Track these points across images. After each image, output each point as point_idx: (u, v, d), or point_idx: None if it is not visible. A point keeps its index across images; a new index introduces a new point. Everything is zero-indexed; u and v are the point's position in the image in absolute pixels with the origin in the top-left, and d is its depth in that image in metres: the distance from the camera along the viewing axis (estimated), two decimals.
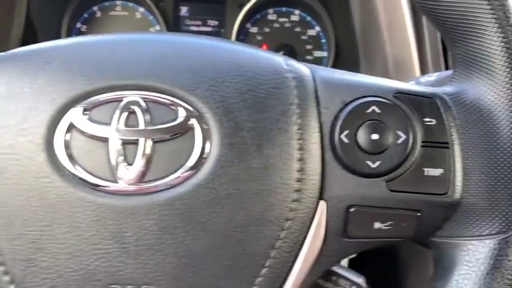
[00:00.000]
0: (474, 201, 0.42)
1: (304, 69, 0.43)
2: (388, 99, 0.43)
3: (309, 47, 1.03)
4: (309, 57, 1.04)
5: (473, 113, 0.43)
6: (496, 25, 0.42)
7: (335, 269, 0.53)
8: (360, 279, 0.53)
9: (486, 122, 0.43)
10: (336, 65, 1.03)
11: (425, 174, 0.42)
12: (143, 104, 0.39)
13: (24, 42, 0.88)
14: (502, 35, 0.42)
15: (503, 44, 0.42)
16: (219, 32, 1.05)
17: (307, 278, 0.43)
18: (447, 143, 0.42)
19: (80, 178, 0.39)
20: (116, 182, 0.39)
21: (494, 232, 0.42)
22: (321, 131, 0.42)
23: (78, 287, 0.39)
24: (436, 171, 0.42)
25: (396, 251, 0.94)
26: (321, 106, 0.42)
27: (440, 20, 0.44)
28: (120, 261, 0.39)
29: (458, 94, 0.44)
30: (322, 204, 0.42)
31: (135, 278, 0.39)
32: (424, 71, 0.82)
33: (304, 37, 1.03)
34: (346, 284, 0.53)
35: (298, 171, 0.40)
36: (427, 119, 0.43)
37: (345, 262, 0.86)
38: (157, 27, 1.04)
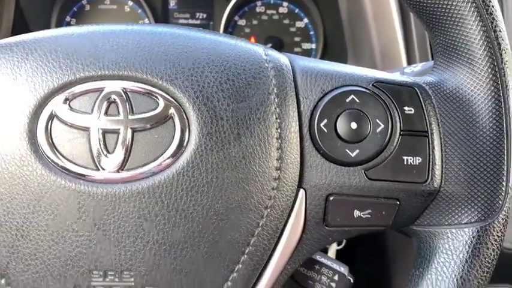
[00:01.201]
0: (453, 190, 0.43)
1: (283, 59, 0.44)
2: (367, 89, 0.43)
3: (297, 39, 1.03)
4: (297, 50, 1.04)
5: (453, 102, 0.43)
6: (475, 13, 0.42)
7: (318, 258, 0.53)
8: (342, 268, 0.53)
9: (466, 111, 0.43)
10: (324, 57, 1.03)
11: (404, 162, 0.42)
12: (123, 93, 0.40)
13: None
14: (481, 23, 0.42)
15: (482, 32, 0.42)
16: (208, 25, 1.05)
17: (288, 265, 0.44)
18: (426, 132, 0.43)
19: (62, 167, 0.39)
20: (97, 170, 0.39)
21: (473, 220, 0.43)
22: (300, 120, 0.42)
23: (60, 273, 0.40)
24: (415, 160, 0.42)
25: (383, 243, 0.94)
26: (300, 95, 0.43)
27: (420, 8, 0.44)
28: (102, 248, 0.39)
29: (438, 83, 0.45)
30: (302, 193, 0.42)
31: (116, 265, 0.40)
32: (411, 62, 0.82)
33: (292, 29, 1.03)
34: (329, 273, 0.53)
35: (277, 159, 0.41)
36: (406, 108, 0.43)
37: (332, 253, 0.86)
38: (146, 21, 1.04)
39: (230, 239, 0.41)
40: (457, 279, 0.42)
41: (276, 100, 0.41)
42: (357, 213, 0.43)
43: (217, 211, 0.40)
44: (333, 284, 0.53)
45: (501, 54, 0.42)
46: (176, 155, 0.39)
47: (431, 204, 0.44)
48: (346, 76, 0.44)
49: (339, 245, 0.84)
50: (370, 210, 0.43)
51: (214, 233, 0.40)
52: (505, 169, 0.42)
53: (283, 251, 0.43)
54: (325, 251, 0.61)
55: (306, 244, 0.44)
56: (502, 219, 0.42)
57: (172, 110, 0.40)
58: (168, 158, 0.39)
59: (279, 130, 0.41)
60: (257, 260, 0.42)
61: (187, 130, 0.40)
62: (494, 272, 0.43)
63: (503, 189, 0.42)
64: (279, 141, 0.41)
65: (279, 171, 0.41)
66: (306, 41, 1.03)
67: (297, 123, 0.42)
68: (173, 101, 0.40)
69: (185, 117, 0.40)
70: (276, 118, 0.41)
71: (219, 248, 0.40)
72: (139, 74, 0.40)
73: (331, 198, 0.42)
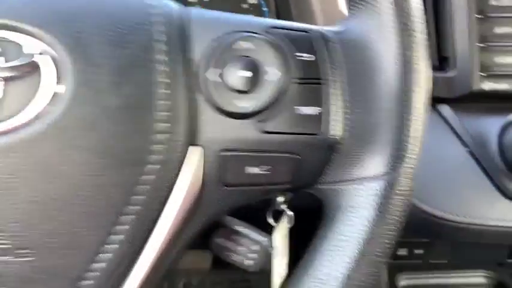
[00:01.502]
0: (355, 142, 0.40)
1: (174, 6, 0.41)
2: (260, 34, 0.40)
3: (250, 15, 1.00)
4: None
5: (357, 50, 0.41)
6: None
7: (236, 227, 0.50)
8: (262, 238, 0.50)
9: (370, 58, 0.40)
10: None
11: (300, 113, 0.40)
12: None
13: None
14: None
15: None
16: None
17: (186, 228, 0.41)
18: (324, 80, 0.40)
19: None
20: None
21: (377, 174, 0.40)
22: (189, 69, 0.39)
23: None
24: (312, 110, 0.40)
25: None
26: (190, 43, 0.40)
27: None
28: None
29: (343, 32, 0.42)
30: (196, 149, 0.39)
31: None
32: None
33: (244, 6, 1.00)
34: (248, 243, 0.50)
35: (164, 112, 0.38)
36: (301, 55, 0.40)
37: (284, 233, 0.83)
38: None
39: (109, 197, 0.37)
40: (362, 239, 0.40)
41: (164, 48, 0.39)
42: (254, 169, 0.40)
43: (94, 166, 0.37)
44: (252, 255, 0.51)
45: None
46: (48, 106, 0.36)
47: (333, 159, 0.41)
48: (240, 22, 0.41)
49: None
50: (268, 167, 0.40)
51: (91, 191, 0.37)
52: (408, 118, 0.39)
53: (179, 211, 0.40)
54: (270, 228, 0.57)
55: (205, 205, 0.41)
56: (407, 172, 0.40)
57: (45, 58, 0.37)
58: (40, 109, 0.36)
59: (166, 80, 0.38)
60: (143, 220, 0.39)
61: (61, 79, 0.37)
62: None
63: (406, 139, 0.39)
64: (166, 91, 0.38)
65: (165, 124, 0.38)
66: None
67: (187, 73, 0.39)
68: (46, 47, 0.37)
69: (60, 65, 0.37)
70: (163, 67, 0.38)
71: (98, 208, 0.37)
72: (8, 22, 0.37)
73: (226, 154, 0.40)
